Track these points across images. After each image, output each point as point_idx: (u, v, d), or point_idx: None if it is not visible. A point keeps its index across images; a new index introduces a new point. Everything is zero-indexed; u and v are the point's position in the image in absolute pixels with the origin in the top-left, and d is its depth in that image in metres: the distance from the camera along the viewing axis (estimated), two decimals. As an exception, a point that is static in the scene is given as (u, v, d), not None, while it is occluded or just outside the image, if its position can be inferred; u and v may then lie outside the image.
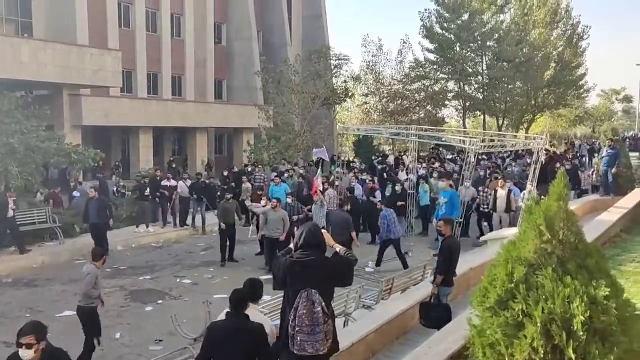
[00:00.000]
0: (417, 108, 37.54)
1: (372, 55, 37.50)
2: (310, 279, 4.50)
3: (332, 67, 29.65)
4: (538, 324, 3.39)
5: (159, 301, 10.72)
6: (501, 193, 14.31)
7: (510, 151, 23.86)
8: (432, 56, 38.93)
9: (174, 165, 24.00)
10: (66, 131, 19.49)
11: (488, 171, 20.14)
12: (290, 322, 4.48)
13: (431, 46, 38.52)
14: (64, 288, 11.52)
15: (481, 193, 15.48)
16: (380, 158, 25.80)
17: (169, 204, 17.27)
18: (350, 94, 32.83)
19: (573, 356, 3.24)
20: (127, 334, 9.05)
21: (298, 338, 4.43)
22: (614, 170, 16.07)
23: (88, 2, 23.80)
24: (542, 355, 3.33)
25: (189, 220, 17.14)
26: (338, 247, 4.96)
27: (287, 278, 4.60)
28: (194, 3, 29.54)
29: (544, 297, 3.47)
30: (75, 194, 17.18)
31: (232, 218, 13.89)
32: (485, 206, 15.12)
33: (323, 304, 4.48)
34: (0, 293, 11.23)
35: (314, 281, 4.50)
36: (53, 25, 23.22)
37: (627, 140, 33.34)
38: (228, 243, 13.67)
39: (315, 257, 4.58)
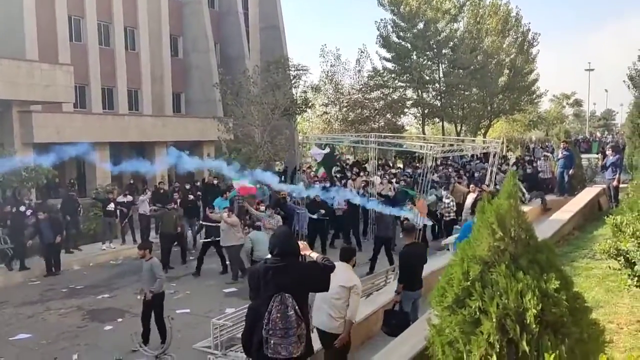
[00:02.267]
0: (377, 117, 37.85)
1: (331, 65, 37.74)
2: (283, 284, 4.54)
3: (291, 77, 29.67)
4: (494, 320, 3.44)
5: (119, 319, 10.47)
6: (471, 197, 14.45)
7: (471, 156, 24.37)
8: (389, 65, 39.39)
9: (131, 182, 23.51)
10: (17, 149, 18.87)
11: (452, 175, 20.30)
12: (264, 326, 4.51)
13: (388, 55, 38.99)
14: (17, 310, 11.14)
15: (444, 200, 15.39)
16: (339, 169, 25.79)
17: (125, 221, 16.91)
18: (310, 104, 32.87)
19: (527, 348, 3.29)
20: (85, 355, 8.79)
21: (272, 342, 4.48)
22: (571, 171, 16.57)
23: (37, 16, 23.17)
24: (498, 350, 3.37)
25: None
26: (314, 255, 5.02)
27: (260, 284, 4.65)
28: (148, 16, 29.14)
29: (498, 293, 3.53)
30: (27, 212, 16.63)
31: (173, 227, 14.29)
32: (449, 214, 15.13)
33: (297, 307, 4.53)
34: (-51, 319, 10.78)
35: (288, 286, 4.55)
36: (1, 41, 22.53)
37: (579, 142, 34.42)
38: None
39: (287, 263, 4.63)
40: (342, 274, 5.99)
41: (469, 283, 3.75)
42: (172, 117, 29.72)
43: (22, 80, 19.49)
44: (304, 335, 4.61)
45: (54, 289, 12.66)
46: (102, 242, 16.33)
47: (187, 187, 20.53)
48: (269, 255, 4.78)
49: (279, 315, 4.49)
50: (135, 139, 26.09)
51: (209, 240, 13.99)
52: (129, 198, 17.28)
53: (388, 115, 38.47)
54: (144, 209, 16.78)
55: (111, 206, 16.39)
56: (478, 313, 3.58)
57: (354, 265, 6.43)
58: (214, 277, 13.35)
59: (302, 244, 5.12)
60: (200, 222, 15.79)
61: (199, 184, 22.29)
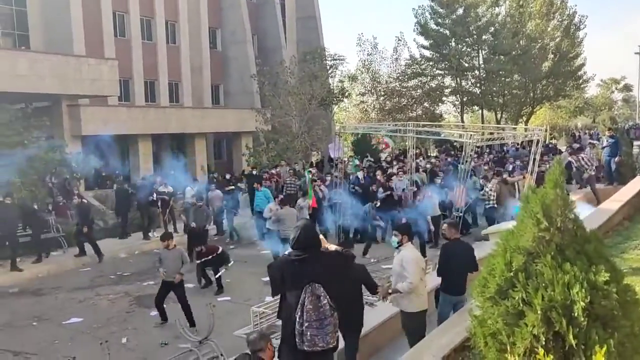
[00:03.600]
0: (415, 105, 37.53)
1: (368, 54, 37.54)
2: (312, 275, 4.53)
3: (328, 67, 29.65)
4: (538, 312, 3.39)
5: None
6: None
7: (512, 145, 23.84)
8: (427, 53, 38.90)
9: (172, 172, 23.95)
10: (67, 141, 19.50)
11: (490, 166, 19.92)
12: (297, 319, 4.48)
13: (426, 43, 38.47)
14: (70, 296, 11.59)
15: (485, 188, 15.16)
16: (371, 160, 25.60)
17: (167, 210, 17.24)
18: (347, 93, 32.82)
19: (574, 342, 3.24)
20: (133, 338, 9.09)
21: (308, 334, 4.45)
22: (617, 159, 16.08)
23: (83, 13, 23.79)
24: (543, 343, 3.33)
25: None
26: (333, 247, 5.08)
27: (285, 278, 4.63)
28: (188, 9, 29.54)
29: (543, 284, 3.48)
30: (84, 200, 17.22)
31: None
32: (489, 201, 14.91)
33: (328, 297, 4.50)
34: (6, 303, 11.28)
35: (316, 276, 4.53)
36: (50, 37, 23.23)
37: (633, 129, 32.94)
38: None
39: (311, 254, 4.61)
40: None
41: (512, 274, 3.70)
42: (211, 109, 30.14)
43: (70, 75, 20.09)
44: (337, 325, 4.59)
45: (103, 275, 13.10)
46: (152, 230, 16.73)
47: (227, 177, 20.80)
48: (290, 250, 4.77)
49: (311, 306, 4.46)
50: (175, 131, 26.58)
51: None
52: (170, 188, 17.46)
53: (426, 104, 38.08)
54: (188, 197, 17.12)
55: (153, 196, 16.75)
56: (521, 305, 3.53)
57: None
58: (254, 265, 13.51)
59: (321, 238, 5.10)
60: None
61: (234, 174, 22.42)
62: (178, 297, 9.52)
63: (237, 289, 11.55)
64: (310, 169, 20.11)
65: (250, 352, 4.45)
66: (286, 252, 4.90)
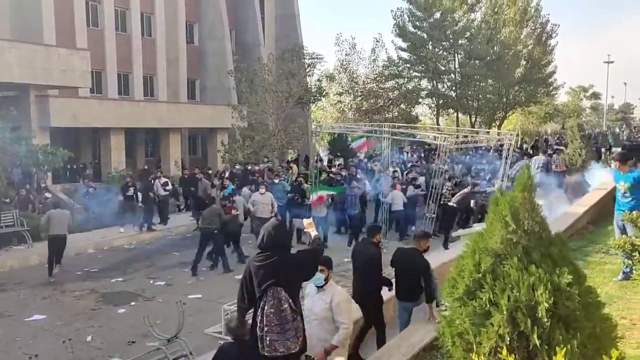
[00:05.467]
0: (391, 106, 37.79)
1: (346, 54, 37.67)
2: (275, 278, 4.42)
3: (306, 66, 29.63)
4: (504, 312, 3.43)
5: (132, 303, 10.59)
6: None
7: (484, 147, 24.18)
8: (405, 55, 39.20)
9: (145, 167, 23.69)
10: (34, 133, 19.06)
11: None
12: (258, 323, 4.36)
13: (404, 45, 38.78)
14: (33, 292, 11.32)
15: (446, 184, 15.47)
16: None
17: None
18: (324, 93, 32.86)
19: (538, 342, 3.29)
20: (98, 336, 8.92)
21: (268, 339, 4.32)
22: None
23: (55, 1, 23.32)
24: (508, 343, 3.37)
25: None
26: (314, 233, 4.96)
27: (251, 282, 4.53)
28: (165, 2, 29.18)
29: (510, 286, 3.52)
30: (47, 195, 16.94)
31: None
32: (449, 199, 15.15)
33: (290, 301, 4.40)
34: (-34, 299, 10.99)
35: (280, 279, 4.42)
36: (19, 25, 22.68)
37: (595, 135, 33.76)
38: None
39: (278, 257, 4.49)
40: None
41: (480, 275, 3.74)
42: (187, 104, 29.87)
43: (39, 65, 19.68)
44: (300, 329, 4.48)
45: (69, 271, 12.83)
46: (120, 226, 16.45)
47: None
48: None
49: (272, 310, 4.34)
50: (150, 125, 26.27)
51: None
52: (162, 181, 17.70)
53: (402, 105, 38.39)
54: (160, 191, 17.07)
55: (130, 191, 16.54)
56: (489, 305, 3.58)
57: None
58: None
59: (307, 221, 5.08)
60: None
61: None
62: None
63: (208, 287, 11.45)
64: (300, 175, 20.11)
65: (234, 339, 4.52)
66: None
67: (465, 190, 14.75)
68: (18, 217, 14.48)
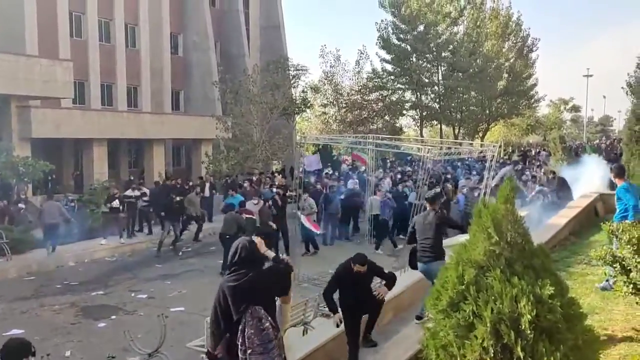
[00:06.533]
0: (376, 118, 37.98)
1: (330, 66, 37.84)
2: (253, 296, 4.24)
3: (291, 77, 29.69)
4: (488, 325, 3.43)
5: (112, 317, 10.41)
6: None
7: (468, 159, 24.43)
8: (389, 67, 39.49)
9: (131, 178, 23.54)
10: (14, 144, 18.82)
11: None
12: (239, 346, 4.15)
13: (388, 57, 39.09)
14: (11, 306, 11.08)
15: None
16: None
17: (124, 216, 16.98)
18: (309, 104, 32.93)
19: (522, 354, 3.29)
20: (77, 351, 8.74)
21: None
22: None
23: (38, 11, 23.13)
24: (492, 355, 3.36)
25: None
26: (271, 253, 4.67)
27: (227, 303, 4.28)
28: (149, 13, 29.14)
29: (493, 297, 3.52)
30: (21, 206, 16.67)
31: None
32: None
33: (270, 318, 4.24)
34: (-58, 313, 10.73)
35: (257, 297, 4.24)
36: (1, 36, 22.46)
37: (575, 148, 34.29)
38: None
39: (252, 274, 4.30)
40: None
41: (463, 287, 3.74)
42: (171, 115, 29.75)
43: (21, 75, 19.48)
44: (282, 346, 4.34)
45: (48, 284, 12.61)
46: (103, 237, 16.25)
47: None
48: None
49: (252, 331, 4.16)
50: (133, 136, 26.10)
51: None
52: (137, 192, 17.56)
53: (386, 117, 38.60)
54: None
55: (116, 203, 16.34)
56: (472, 317, 3.58)
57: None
58: (210, 275, 13.30)
59: (256, 239, 4.68)
60: None
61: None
62: None
63: (191, 300, 11.31)
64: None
65: None
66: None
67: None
68: (-3, 230, 14.21)
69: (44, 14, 23.63)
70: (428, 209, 7.60)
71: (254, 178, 21.75)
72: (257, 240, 4.63)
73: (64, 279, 13.05)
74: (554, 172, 18.15)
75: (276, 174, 25.27)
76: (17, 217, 16.44)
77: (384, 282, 7.24)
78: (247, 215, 13.99)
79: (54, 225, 14.72)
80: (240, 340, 4.16)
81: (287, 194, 17.34)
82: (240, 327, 4.18)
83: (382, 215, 15.97)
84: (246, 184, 19.68)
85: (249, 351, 4.12)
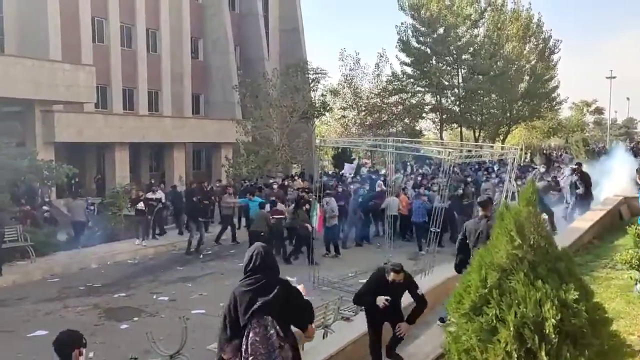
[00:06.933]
0: (395, 121, 37.84)
1: (350, 69, 37.80)
2: (263, 303, 4.08)
3: (310, 81, 29.76)
4: (511, 329, 3.40)
5: (135, 318, 10.53)
6: None
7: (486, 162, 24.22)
8: (409, 70, 39.35)
9: (152, 181, 23.80)
10: (38, 148, 19.12)
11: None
12: (242, 353, 4.04)
13: (408, 60, 38.95)
14: (35, 307, 11.25)
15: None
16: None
17: (151, 217, 17.32)
18: (328, 107, 32.96)
19: (546, 359, 3.25)
20: (100, 353, 8.84)
21: None
22: None
23: (61, 17, 23.54)
24: (516, 359, 3.33)
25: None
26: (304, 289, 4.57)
27: (237, 310, 4.14)
28: (170, 18, 29.47)
29: (516, 301, 3.49)
30: (45, 208, 17.00)
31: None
32: None
33: (277, 327, 4.09)
34: (-31, 313, 10.94)
35: (267, 304, 4.08)
36: (25, 42, 22.90)
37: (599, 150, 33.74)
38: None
39: (267, 280, 4.15)
40: None
41: (486, 290, 3.71)
42: (191, 119, 30.00)
43: (45, 80, 19.80)
44: (289, 358, 4.16)
45: (72, 286, 12.80)
46: (137, 238, 16.71)
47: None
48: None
49: (257, 338, 4.02)
50: (154, 140, 26.37)
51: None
52: (158, 195, 17.92)
53: (406, 120, 38.44)
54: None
55: (140, 205, 16.63)
56: (495, 321, 3.54)
57: None
58: (230, 278, 13.37)
59: (300, 287, 4.52)
60: None
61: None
62: None
63: (212, 302, 11.36)
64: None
65: None
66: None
67: None
68: (22, 232, 14.45)
69: (67, 20, 24.03)
70: (480, 214, 7.28)
71: (280, 181, 21.95)
72: (301, 287, 4.51)
73: (87, 281, 13.23)
74: (579, 164, 17.83)
75: (296, 177, 25.33)
76: (41, 220, 16.76)
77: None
78: (277, 216, 14.80)
79: (80, 222, 15.96)
80: (244, 347, 4.07)
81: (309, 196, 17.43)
82: (245, 333, 4.08)
83: (417, 218, 16.11)
84: (275, 186, 19.86)
85: (250, 358, 4.03)
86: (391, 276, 6.11)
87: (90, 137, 22.96)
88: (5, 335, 9.66)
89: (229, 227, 17.79)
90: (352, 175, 23.35)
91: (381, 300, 6.08)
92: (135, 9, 27.74)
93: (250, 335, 4.04)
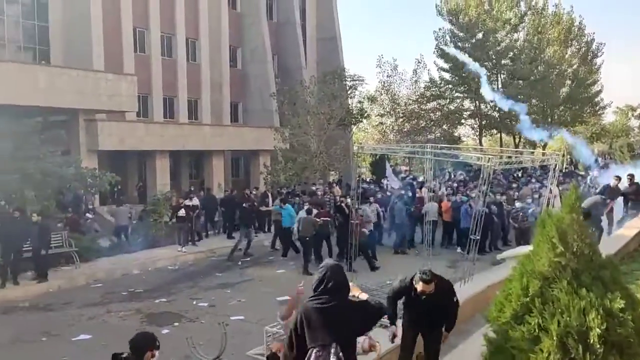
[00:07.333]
0: (434, 127, 37.54)
1: (387, 76, 37.73)
2: (332, 329, 3.92)
3: (348, 88, 29.81)
4: (554, 338, 3.32)
5: (175, 324, 10.66)
6: None
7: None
8: (447, 75, 38.99)
9: (192, 188, 24.31)
10: (82, 156, 19.70)
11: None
12: None
13: (446, 65, 38.61)
14: (80, 312, 11.54)
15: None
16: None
17: (190, 224, 17.75)
18: (365, 114, 32.93)
19: (590, 370, 3.16)
20: (142, 356, 8.99)
21: None
22: None
23: (104, 28, 24.27)
24: (559, 370, 3.25)
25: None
26: (364, 295, 4.45)
27: (304, 329, 3.99)
28: (209, 28, 30.01)
29: (559, 310, 3.41)
30: (89, 215, 17.49)
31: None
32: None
33: (340, 354, 3.91)
34: (16, 317, 11.29)
35: (337, 330, 3.93)
36: (70, 52, 23.71)
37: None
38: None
39: (337, 303, 3.95)
40: None
41: (528, 299, 3.64)
42: (230, 127, 30.39)
43: (89, 90, 20.42)
44: None
45: (114, 292, 13.08)
46: (179, 245, 17.15)
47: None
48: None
49: None
50: (194, 148, 26.80)
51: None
52: (194, 202, 18.29)
53: (444, 126, 38.08)
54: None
55: (181, 212, 17.04)
56: (538, 330, 3.47)
57: None
58: (268, 286, 13.46)
59: (352, 285, 4.38)
60: None
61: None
62: None
63: (251, 309, 11.46)
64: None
65: None
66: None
67: None
68: (67, 238, 14.89)
69: (110, 30, 24.75)
70: None
71: (323, 188, 22.26)
72: (352, 285, 4.37)
73: (129, 287, 13.49)
74: (632, 176, 17.25)
75: (334, 185, 25.37)
76: (85, 227, 17.27)
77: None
78: (323, 218, 15.42)
79: (124, 227, 17.11)
80: None
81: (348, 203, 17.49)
82: (308, 354, 3.96)
83: (465, 224, 15.84)
84: (320, 192, 20.52)
85: None
86: (420, 286, 5.55)
87: (131, 145, 23.51)
88: (52, 338, 9.94)
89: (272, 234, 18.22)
90: (396, 181, 23.43)
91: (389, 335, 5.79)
92: (176, 19, 28.36)
93: (312, 357, 3.93)
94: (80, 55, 23.33)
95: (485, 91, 32.93)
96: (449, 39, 38.39)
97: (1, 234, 12.95)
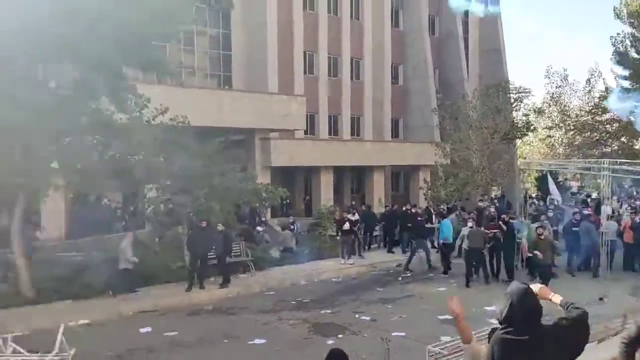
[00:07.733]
0: (610, 140, 34.51)
1: (557, 87, 35.55)
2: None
3: (512, 100, 28.67)
4: None
5: (339, 335, 11.10)
6: None
7: None
8: (626, 83, 35.62)
9: (353, 202, 25.15)
10: (257, 172, 21.36)
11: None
12: None
13: (625, 72, 35.31)
14: (255, 317, 12.54)
15: None
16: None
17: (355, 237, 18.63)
18: (532, 127, 31.36)
19: None
20: (308, 365, 9.57)
21: None
22: None
23: (278, 54, 26.17)
24: None
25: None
26: (558, 299, 3.75)
27: None
28: (373, 47, 30.80)
29: None
30: (259, 228, 19.00)
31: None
32: None
33: None
34: (202, 319, 12.59)
35: None
36: (249, 77, 25.94)
37: None
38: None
39: (531, 336, 3.39)
40: None
41: None
42: (391, 142, 30.83)
43: (265, 111, 22.22)
44: None
45: (285, 300, 14.04)
46: (342, 258, 17.99)
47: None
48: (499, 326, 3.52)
49: None
50: (356, 163, 27.64)
51: None
52: (355, 217, 19.06)
53: (623, 139, 34.78)
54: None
55: (346, 225, 17.90)
56: None
57: None
58: (428, 303, 13.49)
59: (537, 286, 3.76)
60: None
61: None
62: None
63: (412, 325, 11.60)
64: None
65: None
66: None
67: None
68: (244, 248, 16.32)
69: (283, 56, 26.61)
70: None
71: (490, 205, 22.03)
72: (537, 288, 3.75)
73: (297, 296, 14.38)
74: None
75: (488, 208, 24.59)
76: (258, 238, 18.77)
77: None
78: (493, 230, 15.75)
79: (289, 249, 18.67)
80: None
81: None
82: None
83: None
84: (492, 208, 21.08)
85: None
86: None
87: (299, 162, 24.96)
88: (232, 340, 10.97)
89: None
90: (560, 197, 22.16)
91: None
92: (342, 40, 29.58)
93: None
94: (258, 79, 25.46)
95: None
96: (629, 44, 35.06)
97: (190, 242, 14.68)
